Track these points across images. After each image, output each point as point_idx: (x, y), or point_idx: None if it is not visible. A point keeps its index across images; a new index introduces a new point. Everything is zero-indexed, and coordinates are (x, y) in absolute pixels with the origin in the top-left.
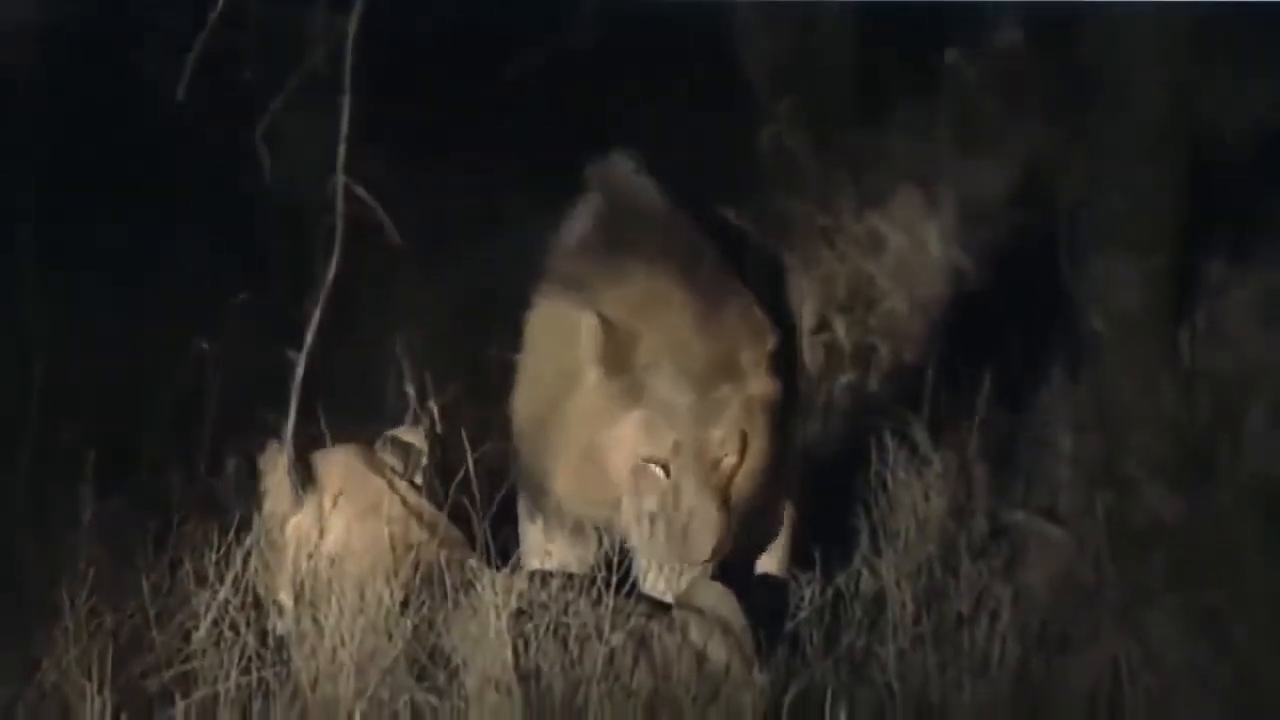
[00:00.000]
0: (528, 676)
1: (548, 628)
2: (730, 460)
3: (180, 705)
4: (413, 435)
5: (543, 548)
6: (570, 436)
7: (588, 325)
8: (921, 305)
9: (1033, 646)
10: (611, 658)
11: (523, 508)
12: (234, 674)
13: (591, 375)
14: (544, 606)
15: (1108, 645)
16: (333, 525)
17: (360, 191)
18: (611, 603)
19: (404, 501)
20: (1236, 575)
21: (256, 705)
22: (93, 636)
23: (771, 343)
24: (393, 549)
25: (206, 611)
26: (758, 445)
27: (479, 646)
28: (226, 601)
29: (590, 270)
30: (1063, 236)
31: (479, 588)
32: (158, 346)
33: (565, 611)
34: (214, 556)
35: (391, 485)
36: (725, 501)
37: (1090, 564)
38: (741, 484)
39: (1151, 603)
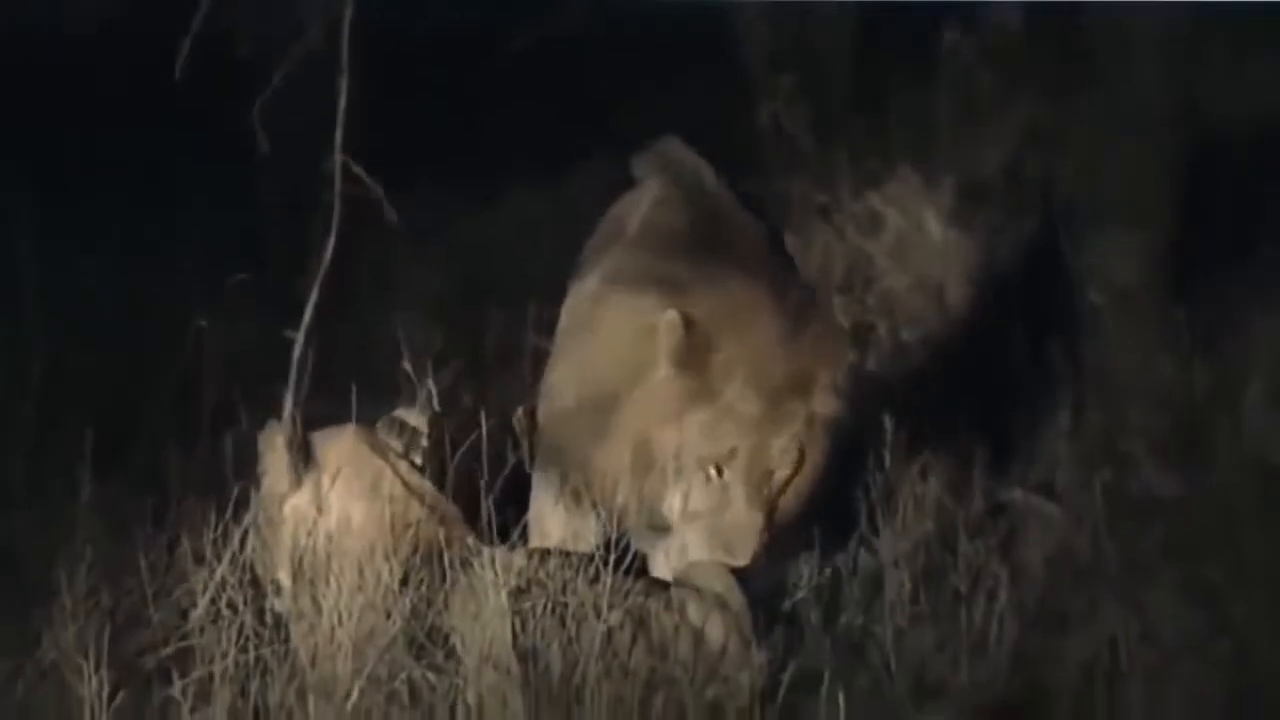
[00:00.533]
0: (526, 654)
1: (546, 606)
2: (784, 473)
3: (178, 683)
4: (414, 416)
5: (560, 532)
6: (626, 426)
7: (668, 321)
8: (919, 283)
9: (1031, 624)
10: (610, 636)
11: (544, 490)
12: (232, 652)
13: (663, 370)
14: (542, 585)
15: (1106, 622)
16: (332, 504)
17: (358, 170)
18: (610, 581)
19: (403, 481)
20: (1235, 551)
21: (255, 684)
22: (90, 614)
23: (846, 365)
24: (392, 527)
25: (204, 590)
26: (814, 461)
27: (478, 624)
28: (224, 580)
29: (677, 268)
30: (1061, 212)
31: (477, 566)
32: (157, 325)
33: (564, 590)
34: (212, 535)
35: (391, 465)
36: (771, 512)
37: (1088, 541)
38: (790, 496)
39: (1150, 579)
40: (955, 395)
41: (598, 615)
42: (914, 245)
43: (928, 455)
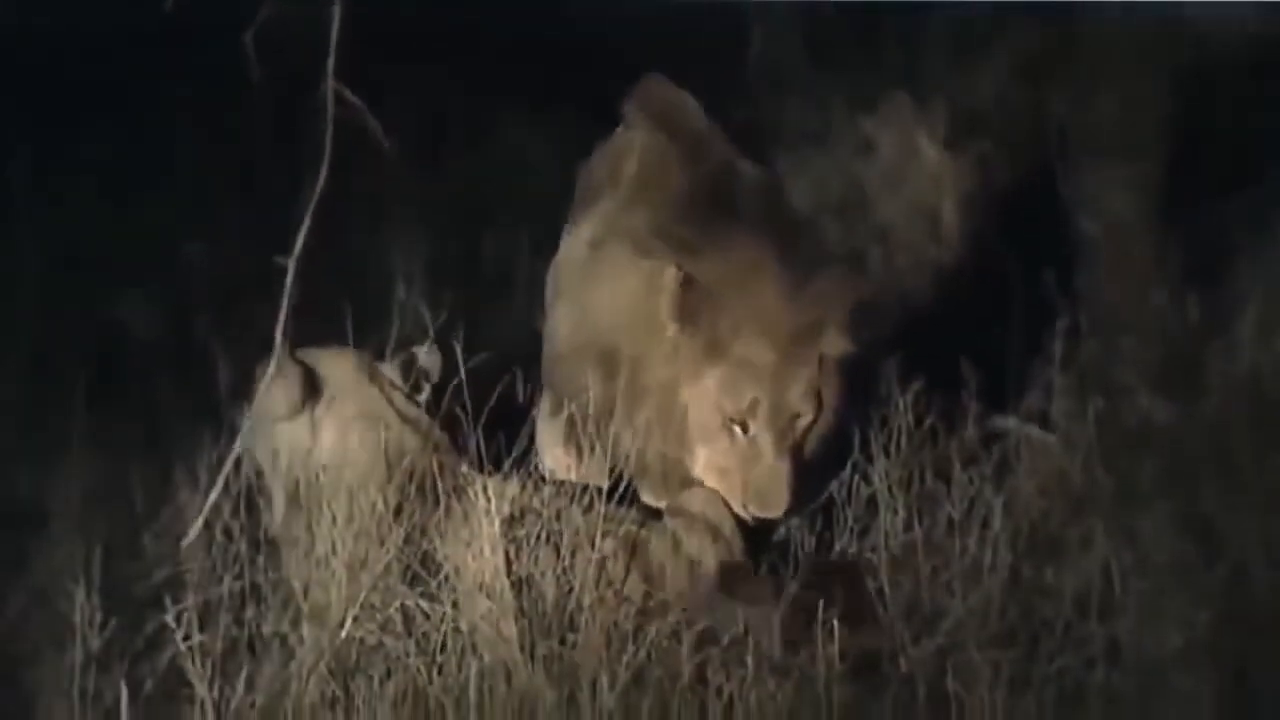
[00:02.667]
0: (520, 583)
1: (540, 534)
2: (806, 419)
3: (171, 610)
4: (424, 352)
5: (558, 465)
6: (646, 385)
7: (669, 281)
8: (914, 210)
9: (1024, 552)
10: (603, 564)
11: (546, 430)
12: (226, 579)
13: (670, 329)
14: (536, 513)
15: (1099, 550)
16: (327, 431)
17: (350, 97)
18: (603, 510)
19: (397, 409)
20: (1229, 480)
21: (249, 611)
22: (83, 540)
23: (853, 304)
24: (386, 456)
25: (199, 516)
26: (831, 403)
27: (471, 552)
28: (219, 506)
29: (681, 227)
30: (1056, 141)
31: (471, 494)
32: (150, 251)
33: (557, 518)
34: (206, 461)
35: (386, 394)
36: (799, 459)
37: (1082, 470)
38: (813, 440)
39: (1143, 508)
40: (949, 322)
41: (591, 543)
42: (908, 171)
43: (922, 383)
